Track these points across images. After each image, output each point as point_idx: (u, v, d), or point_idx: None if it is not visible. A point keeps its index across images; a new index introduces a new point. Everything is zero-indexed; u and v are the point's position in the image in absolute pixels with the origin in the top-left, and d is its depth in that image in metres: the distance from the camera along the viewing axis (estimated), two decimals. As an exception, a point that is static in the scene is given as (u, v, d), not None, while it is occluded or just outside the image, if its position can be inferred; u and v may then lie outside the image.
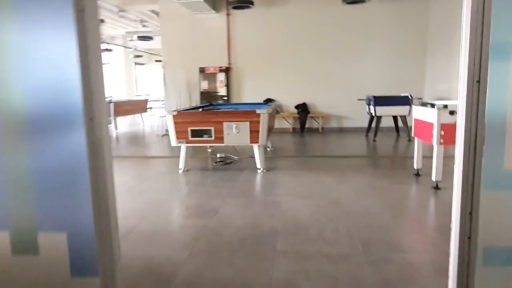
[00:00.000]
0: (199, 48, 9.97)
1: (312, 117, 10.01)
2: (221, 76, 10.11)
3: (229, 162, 5.95)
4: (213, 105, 7.39)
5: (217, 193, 4.28)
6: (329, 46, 9.78)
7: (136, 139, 9.37)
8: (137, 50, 18.17)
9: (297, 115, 9.93)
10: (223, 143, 5.12)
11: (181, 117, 5.12)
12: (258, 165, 5.28)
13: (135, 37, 15.65)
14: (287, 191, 4.34)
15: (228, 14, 9.86)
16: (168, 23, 10.02)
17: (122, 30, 15.70)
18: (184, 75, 10.03)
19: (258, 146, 5.18)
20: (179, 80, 9.92)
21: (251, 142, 5.09)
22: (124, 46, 17.78)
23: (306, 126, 9.96)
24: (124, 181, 5.01)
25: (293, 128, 10.06)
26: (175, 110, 5.22)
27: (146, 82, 22.30)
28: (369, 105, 8.56)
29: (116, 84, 18.47)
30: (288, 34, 9.87)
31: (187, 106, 9.99)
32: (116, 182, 1.77)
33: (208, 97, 10.11)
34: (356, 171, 5.31)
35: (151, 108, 16.60)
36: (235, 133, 5.03)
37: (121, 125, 12.19)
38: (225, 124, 5.02)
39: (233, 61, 10.04)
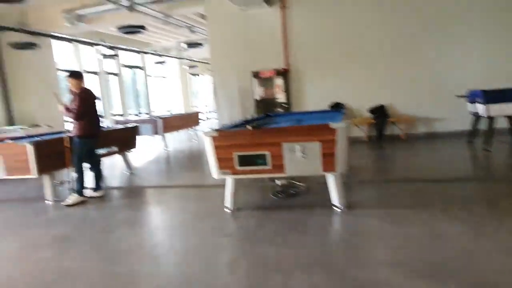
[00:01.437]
0: (251, 49, 8.56)
1: (391, 121, 8.08)
2: (278, 80, 8.59)
3: (294, 193, 4.36)
4: (269, 116, 5.86)
5: (277, 261, 2.71)
6: (412, 33, 7.80)
7: (184, 159, 8.16)
8: (191, 60, 17.37)
9: (372, 121, 8.07)
10: (283, 173, 3.56)
11: (224, 139, 3.65)
12: (335, 201, 3.63)
13: (186, 46, 14.80)
14: (390, 256, 2.64)
15: (283, 7, 8.34)
16: (215, 25, 8.75)
17: (174, 40, 14.94)
18: (236, 81, 8.67)
19: (335, 175, 3.54)
20: (230, 88, 8.58)
21: (324, 171, 3.47)
22: (177, 57, 17.06)
23: (385, 133, 8.05)
24: (145, 234, 3.65)
25: (368, 137, 8.19)
26: (215, 129, 3.76)
27: (202, 93, 21.54)
28: (473, 102, 6.47)
29: (172, 97, 17.82)
30: (356, 24, 8.08)
31: (240, 117, 8.60)
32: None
33: (265, 105, 8.64)
34: (492, 208, 3.44)
35: (206, 119, 15.61)
36: (300, 159, 3.44)
37: (174, 141, 11.16)
38: (285, 145, 3.46)
39: (291, 61, 8.47)
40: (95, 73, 12.75)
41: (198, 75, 20.98)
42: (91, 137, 4.94)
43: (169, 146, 9.69)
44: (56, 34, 10.24)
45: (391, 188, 4.37)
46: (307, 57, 8.40)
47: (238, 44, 8.61)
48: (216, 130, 3.75)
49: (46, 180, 5.03)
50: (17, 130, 8.49)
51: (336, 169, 3.42)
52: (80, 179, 4.89)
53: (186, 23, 10.83)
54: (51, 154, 4.98)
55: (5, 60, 9.61)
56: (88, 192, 5.09)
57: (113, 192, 5.47)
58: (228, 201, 3.91)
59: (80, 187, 4.88)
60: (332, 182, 3.57)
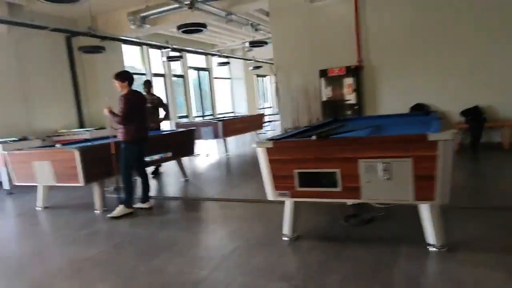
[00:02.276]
0: (319, 45, 7.66)
1: (489, 126, 6.65)
2: (348, 79, 7.59)
3: (370, 219, 3.43)
4: (339, 120, 4.96)
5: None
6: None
7: (245, 166, 7.52)
8: (256, 61, 16.85)
9: (465, 125, 6.71)
10: (358, 198, 2.68)
11: (282, 151, 2.87)
12: (430, 238, 2.66)
13: (250, 45, 14.28)
14: None
15: (356, -3, 7.33)
16: (279, 19, 8.01)
17: (239, 41, 14.53)
18: (301, 81, 7.84)
19: (432, 205, 2.57)
20: (294, 88, 7.77)
21: (418, 199, 2.52)
22: (242, 58, 16.65)
23: (480, 140, 6.65)
24: (187, 265, 2.98)
25: (460, 145, 6.83)
26: (270, 139, 3.00)
27: (267, 95, 20.98)
28: None
29: (237, 100, 17.48)
30: (441, 12, 6.79)
31: (305, 121, 7.76)
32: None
33: (333, 107, 7.70)
34: None
35: (269, 122, 14.95)
36: (382, 180, 2.54)
37: (236, 145, 10.64)
38: (362, 163, 2.58)
39: (364, 57, 7.42)
40: (161, 75, 12.76)
41: (265, 77, 20.46)
42: (138, 143, 4.48)
43: (230, 151, 9.15)
44: (123, 38, 10.28)
45: (499, 219, 3.24)
46: (383, 52, 7.28)
47: (303, 40, 7.77)
48: (272, 140, 2.98)
49: (95, 188, 4.67)
50: (83, 133, 8.56)
51: (435, 198, 2.45)
52: (127, 188, 4.44)
53: (249, 20, 10.23)
54: (100, 161, 4.62)
55: (77, 65, 9.83)
56: (136, 203, 4.64)
57: (164, 203, 4.98)
58: (286, 228, 3.13)
59: (127, 198, 4.44)
60: (427, 214, 2.60)
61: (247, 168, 7.24)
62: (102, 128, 9.14)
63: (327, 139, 2.75)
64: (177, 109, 13.26)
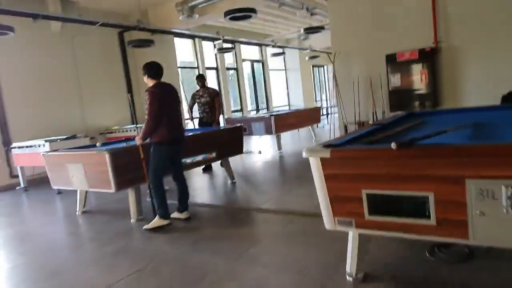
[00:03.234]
0: (386, 26, 6.53)
1: None
2: (421, 65, 6.39)
3: (469, 254, 2.46)
4: (415, 115, 3.93)
5: None
6: None
7: (299, 166, 6.70)
8: (312, 50, 15.78)
9: None
10: (465, 237, 1.75)
11: (344, 163, 2.02)
12: None
13: (307, 35, 13.28)
14: None
15: (432, -35, 6.08)
16: None
17: (294, 29, 13.60)
18: (364, 69, 6.79)
19: None
20: (356, 78, 6.74)
21: None
22: (298, 48, 15.68)
23: None
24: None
25: None
26: (327, 145, 2.16)
27: (325, 86, 19.77)
28: None
29: (293, 92, 16.57)
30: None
31: (367, 114, 6.71)
32: None
33: (402, 99, 6.55)
34: None
35: (328, 115, 13.86)
36: (506, 213, 1.60)
37: (291, 141, 9.82)
38: (472, 185, 1.66)
39: (442, 37, 6.17)
40: (214, 68, 12.29)
41: (322, 67, 19.29)
42: (170, 144, 3.84)
43: (284, 148, 8.36)
44: (173, 30, 9.90)
45: None
46: (467, 30, 5.97)
47: (366, 21, 6.68)
48: (330, 146, 2.14)
49: (130, 195, 4.17)
50: (132, 129, 8.29)
51: None
52: (159, 198, 3.86)
53: (304, 3, 9.27)
54: (136, 164, 4.09)
55: (130, 60, 9.63)
56: (173, 214, 4.05)
57: (204, 212, 4.34)
58: (349, 264, 2.29)
59: (161, 208, 3.86)
60: None
61: (302, 168, 6.40)
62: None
63: (411, 148, 1.85)
64: (230, 104, 12.73)
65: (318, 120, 9.78)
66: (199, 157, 4.99)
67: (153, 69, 3.86)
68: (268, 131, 7.92)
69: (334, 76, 6.76)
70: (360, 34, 6.76)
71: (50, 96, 7.92)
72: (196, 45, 11.57)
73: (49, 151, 4.56)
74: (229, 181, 5.60)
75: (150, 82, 3.82)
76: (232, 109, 12.92)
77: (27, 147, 6.48)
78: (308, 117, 9.30)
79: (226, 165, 5.59)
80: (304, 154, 2.13)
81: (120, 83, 9.48)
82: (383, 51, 6.52)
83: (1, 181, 7.12)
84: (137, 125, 8.65)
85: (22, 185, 6.94)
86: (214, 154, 5.21)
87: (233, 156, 5.65)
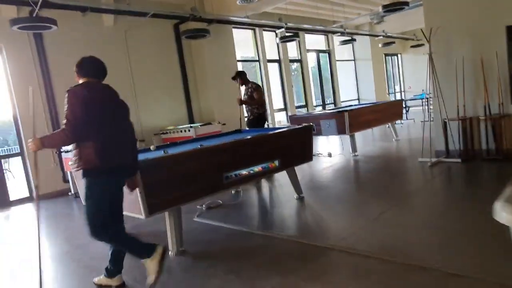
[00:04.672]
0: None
1: None
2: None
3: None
4: None
5: None
6: None
7: (379, 174, 5.28)
8: (387, 36, 13.88)
9: None
10: None
11: None
12: None
13: (381, 18, 11.52)
14: None
15: None
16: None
17: (365, 13, 11.92)
18: (472, 46, 5.13)
19: None
20: (459, 58, 5.10)
21: None
22: (370, 35, 13.89)
23: None
24: None
25: None
26: None
27: (400, 77, 17.61)
28: None
29: (363, 84, 14.81)
30: None
31: (477, 108, 5.04)
32: None
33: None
34: None
35: (408, 109, 11.96)
36: None
37: (365, 141, 8.33)
38: None
39: None
40: (275, 61, 11.12)
41: (395, 55, 17.19)
42: (111, 173, 2.49)
43: (360, 150, 6.93)
44: (231, 19, 8.91)
45: None
46: None
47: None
48: None
49: (169, 220, 3.16)
50: (187, 129, 7.45)
51: None
52: (125, 247, 2.66)
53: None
54: (177, 178, 3.09)
55: (186, 54, 8.84)
56: (100, 279, 2.77)
57: (259, 247, 3.18)
58: None
59: (136, 253, 2.63)
60: None
61: (386, 178, 4.98)
62: (208, 123, 7.94)
63: None
64: (294, 99, 11.49)
65: (399, 116, 8.15)
66: (258, 167, 3.85)
67: (89, 66, 2.65)
68: (341, 130, 6.56)
69: (430, 59, 5.19)
70: (467, 1, 5.10)
71: (103, 95, 7.35)
72: (256, 35, 10.49)
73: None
74: (295, 196, 4.41)
75: (80, 81, 2.62)
76: (296, 104, 11.66)
77: (66, 152, 5.89)
78: (388, 112, 7.73)
79: (291, 175, 4.40)
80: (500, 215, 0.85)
81: (176, 79, 8.72)
82: (501, 21, 4.82)
83: (54, 187, 6.66)
84: (192, 125, 7.90)
85: (72, 191, 6.41)
86: (276, 163, 4.04)
87: (300, 164, 4.43)
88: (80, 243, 3.81)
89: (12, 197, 6.46)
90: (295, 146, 4.33)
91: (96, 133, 2.41)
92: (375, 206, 3.78)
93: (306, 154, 4.45)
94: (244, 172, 3.71)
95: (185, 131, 7.50)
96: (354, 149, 6.78)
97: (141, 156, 3.58)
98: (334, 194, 4.52)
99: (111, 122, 2.51)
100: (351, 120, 6.49)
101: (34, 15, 5.85)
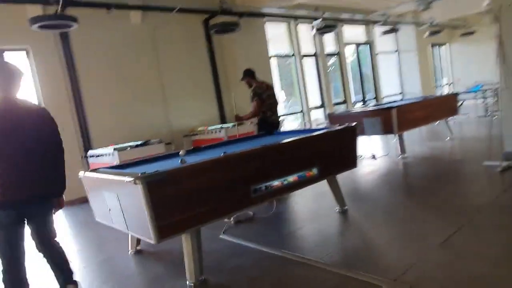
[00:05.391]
0: None
1: None
2: None
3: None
4: None
5: None
6: None
7: (433, 179, 4.45)
8: (433, 24, 12.66)
9: None
10: None
11: None
12: None
13: (428, 5, 10.40)
14: None
15: None
16: None
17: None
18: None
19: None
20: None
21: None
22: (414, 23, 12.74)
23: None
24: None
25: None
26: None
27: (448, 68, 16.18)
28: None
29: (408, 78, 13.65)
30: None
31: None
32: None
33: None
34: None
35: (461, 103, 10.75)
36: None
37: (414, 140, 7.42)
38: None
39: None
40: (312, 55, 10.37)
41: (442, 46, 15.80)
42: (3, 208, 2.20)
43: (407, 151, 6.08)
44: (264, 11, 8.30)
45: None
46: None
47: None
48: None
49: (186, 243, 2.62)
50: (218, 130, 6.94)
51: None
52: None
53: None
54: (196, 194, 2.55)
55: (216, 51, 8.34)
56: None
57: (292, 278, 2.55)
58: None
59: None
60: None
61: (445, 187, 4.16)
62: (241, 123, 7.39)
63: None
64: (331, 95, 10.68)
65: (454, 111, 7.16)
66: (293, 177, 3.23)
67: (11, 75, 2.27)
68: (387, 129, 5.77)
69: (500, 43, 4.28)
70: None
71: (131, 95, 7.02)
72: (291, 28, 9.81)
73: (90, 172, 3.26)
74: (337, 208, 3.74)
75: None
76: (333, 101, 10.84)
77: (97, 156, 5.56)
78: (441, 107, 6.79)
79: (333, 185, 3.73)
80: None
81: (207, 77, 8.24)
82: None
83: (82, 192, 6.39)
84: (223, 125, 7.39)
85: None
86: (315, 171, 3.39)
87: (343, 171, 3.74)
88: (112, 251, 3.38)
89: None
90: (336, 150, 3.66)
91: None
92: (438, 226, 3.02)
93: (350, 159, 3.76)
94: (276, 183, 3.10)
95: (215, 132, 6.99)
96: (402, 150, 5.95)
97: (165, 164, 3.09)
98: (383, 207, 3.78)
99: (10, 150, 2.18)
100: (399, 118, 5.67)
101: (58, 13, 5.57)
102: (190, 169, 2.62)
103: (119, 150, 5.18)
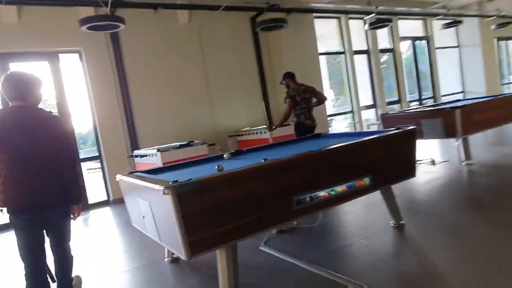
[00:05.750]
0: None
1: None
2: None
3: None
4: None
5: None
6: None
7: (502, 193, 3.82)
8: (501, 16, 11.41)
9: None
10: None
11: None
12: None
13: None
14: None
15: None
16: None
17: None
18: None
19: None
20: None
21: None
22: (479, 16, 11.57)
23: None
24: None
25: None
26: None
27: (516, 63, 14.59)
28: None
29: (470, 74, 12.47)
30: None
31: None
32: None
33: None
34: None
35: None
36: None
37: (480, 145, 6.63)
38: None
39: None
40: (364, 52, 9.77)
41: (510, 40, 14.26)
42: (16, 213, 2.28)
43: (473, 157, 5.40)
44: (313, 5, 7.89)
45: None
46: None
47: None
48: None
49: (221, 259, 2.37)
50: (262, 131, 6.68)
51: None
52: None
53: None
54: (233, 205, 2.30)
55: (263, 50, 8.08)
56: None
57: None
58: None
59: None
60: None
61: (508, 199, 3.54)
62: (287, 124, 7.07)
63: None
64: (384, 93, 9.99)
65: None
66: (341, 187, 2.86)
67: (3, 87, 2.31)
68: (450, 132, 5.15)
69: None
70: None
71: (177, 95, 6.98)
72: (341, 24, 9.28)
73: (129, 174, 3.13)
74: (391, 222, 3.30)
75: None
76: (387, 100, 10.14)
77: (141, 156, 5.53)
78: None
79: (387, 197, 3.30)
80: None
81: (253, 76, 8.02)
82: None
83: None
84: (262, 127, 7.12)
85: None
86: (366, 181, 2.99)
87: (399, 181, 3.29)
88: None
89: (90, 201, 6.39)
90: (392, 157, 3.22)
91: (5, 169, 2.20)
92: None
93: (408, 168, 3.30)
94: (322, 193, 2.76)
95: (261, 132, 6.74)
96: (467, 155, 5.29)
97: (205, 169, 2.88)
98: (446, 224, 3.27)
99: (23, 154, 2.22)
100: (464, 119, 5.03)
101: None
102: (226, 178, 2.36)
103: (162, 150, 5.10)
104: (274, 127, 5.30)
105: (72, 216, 2.46)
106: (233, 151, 3.73)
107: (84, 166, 6.51)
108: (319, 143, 3.58)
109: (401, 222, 3.30)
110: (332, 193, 2.82)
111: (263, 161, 2.62)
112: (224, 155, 3.52)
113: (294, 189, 2.58)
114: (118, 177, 3.11)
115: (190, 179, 2.24)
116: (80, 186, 2.53)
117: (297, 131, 5.06)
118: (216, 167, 2.67)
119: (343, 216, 3.87)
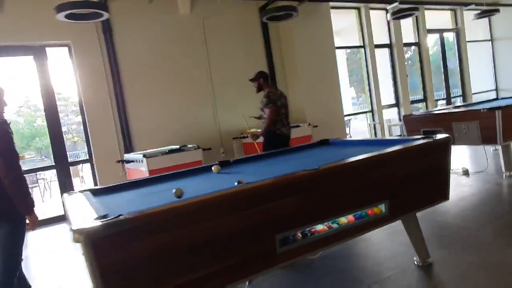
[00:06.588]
0: None
1: None
2: None
3: None
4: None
5: None
6: None
7: None
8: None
9: None
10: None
11: None
12: None
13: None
14: None
15: None
16: None
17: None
18: None
19: None
20: None
21: None
22: (517, 5, 10.34)
23: None
24: None
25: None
26: None
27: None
28: None
29: (505, 70, 11.26)
30: None
31: None
32: None
33: None
34: None
35: None
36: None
37: None
38: None
39: None
40: (385, 46, 8.83)
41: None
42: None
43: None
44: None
45: None
46: None
47: None
48: None
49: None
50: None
51: None
52: None
53: None
54: (175, 257, 1.59)
55: (273, 44, 7.31)
56: None
57: None
58: None
59: None
60: None
61: None
62: (296, 125, 6.31)
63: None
64: (408, 91, 9.02)
65: None
66: (347, 218, 2.10)
67: None
68: (488, 138, 4.24)
69: None
70: None
71: (177, 92, 6.32)
72: (361, 15, 8.39)
73: (68, 195, 2.47)
74: (416, 259, 2.50)
75: None
76: (411, 98, 9.16)
77: (129, 162, 4.91)
78: None
79: (411, 228, 2.49)
80: None
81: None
82: None
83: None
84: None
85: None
86: (382, 208, 2.21)
87: (427, 207, 2.48)
88: None
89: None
90: (418, 175, 2.41)
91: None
92: None
93: (438, 189, 2.49)
94: (320, 227, 2.01)
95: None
96: (508, 166, 4.37)
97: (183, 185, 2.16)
98: (488, 261, 2.43)
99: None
100: (505, 122, 4.12)
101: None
102: (176, 213, 1.64)
103: (148, 156, 4.44)
104: (259, 135, 4.45)
105: (27, 227, 2.32)
106: (218, 162, 2.99)
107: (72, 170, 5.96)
108: (323, 155, 2.82)
109: (428, 260, 2.49)
110: (334, 225, 2.06)
111: (236, 184, 1.89)
112: (213, 168, 2.80)
113: (278, 223, 1.84)
114: (65, 196, 2.45)
115: (121, 214, 1.53)
116: (24, 195, 2.28)
117: (267, 139, 4.29)
118: (173, 192, 1.95)
119: (352, 246, 3.07)
